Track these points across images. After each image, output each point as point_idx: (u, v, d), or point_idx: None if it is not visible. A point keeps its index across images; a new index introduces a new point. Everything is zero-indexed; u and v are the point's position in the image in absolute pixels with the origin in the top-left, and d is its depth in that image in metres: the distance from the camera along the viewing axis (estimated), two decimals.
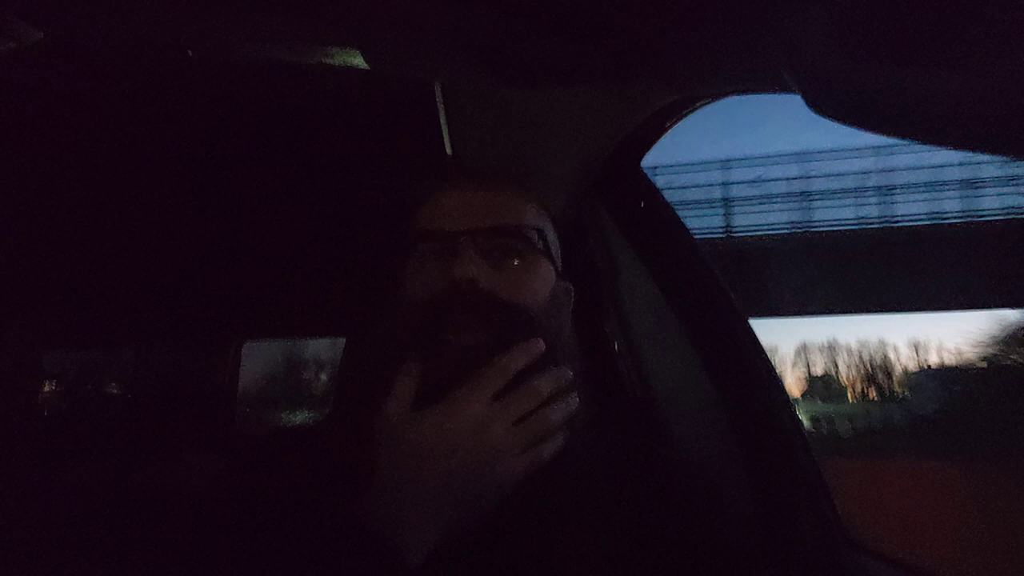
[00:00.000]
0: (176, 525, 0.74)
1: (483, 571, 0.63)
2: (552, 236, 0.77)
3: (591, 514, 0.70)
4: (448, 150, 1.07)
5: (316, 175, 1.28)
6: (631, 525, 0.70)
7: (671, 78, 0.75)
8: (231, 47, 0.73)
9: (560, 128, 1.00)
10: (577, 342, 0.82)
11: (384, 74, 0.85)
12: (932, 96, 0.39)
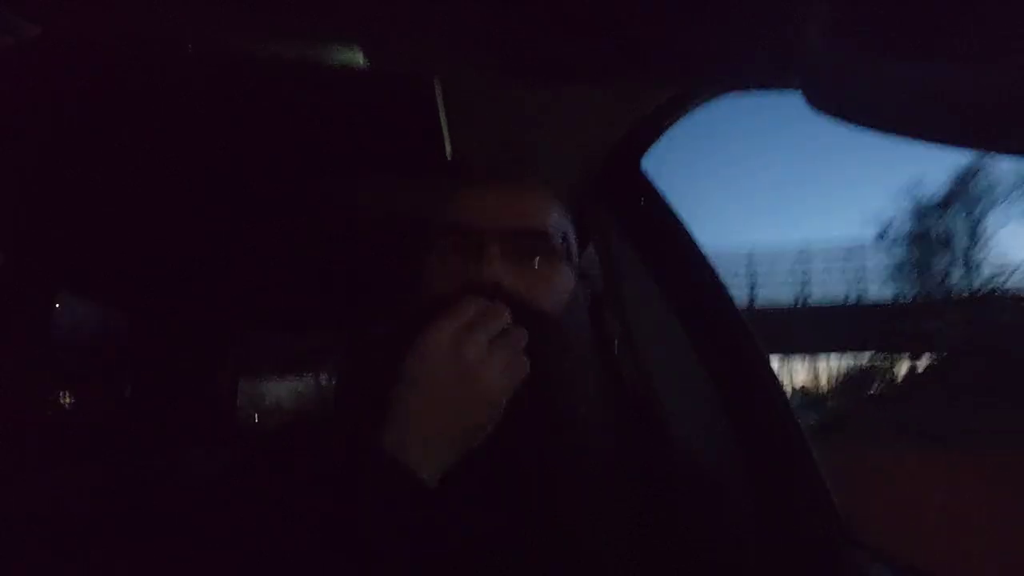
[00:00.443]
0: (185, 513, 0.76)
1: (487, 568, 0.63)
2: (573, 238, 0.78)
3: (591, 513, 0.70)
4: (448, 148, 1.07)
5: (314, 171, 1.27)
6: (631, 523, 0.70)
7: (672, 76, 0.75)
8: (230, 42, 0.73)
9: (561, 125, 1.00)
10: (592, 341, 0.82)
11: (384, 71, 0.85)
12: (933, 94, 0.39)
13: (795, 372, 15.38)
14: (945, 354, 12.33)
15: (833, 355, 15.44)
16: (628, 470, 0.74)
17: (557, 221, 0.75)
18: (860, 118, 0.44)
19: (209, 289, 1.95)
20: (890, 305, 14.80)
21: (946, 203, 15.44)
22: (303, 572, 0.59)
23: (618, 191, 1.11)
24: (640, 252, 1.07)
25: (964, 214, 15.20)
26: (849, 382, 14.76)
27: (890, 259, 15.51)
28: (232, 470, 0.76)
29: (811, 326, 14.34)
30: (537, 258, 0.72)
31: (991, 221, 15.48)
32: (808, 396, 14.35)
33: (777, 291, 15.53)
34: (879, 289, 15.56)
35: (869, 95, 0.42)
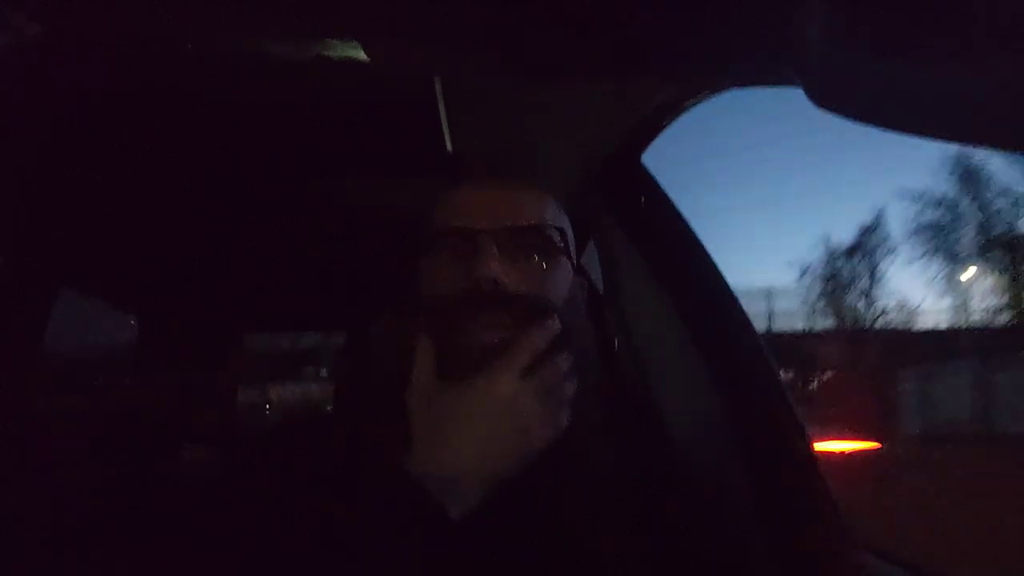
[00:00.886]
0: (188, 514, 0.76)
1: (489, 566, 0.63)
2: (570, 233, 0.78)
3: (592, 514, 0.70)
4: (448, 146, 1.07)
5: (314, 171, 1.27)
6: (632, 524, 0.70)
7: (672, 72, 0.75)
8: (230, 42, 0.73)
9: (561, 123, 1.00)
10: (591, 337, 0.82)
11: (384, 69, 0.85)
12: (935, 89, 0.39)
13: None
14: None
15: None
16: (628, 470, 0.74)
17: (554, 217, 0.75)
18: (862, 113, 0.44)
19: (209, 289, 1.95)
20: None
21: (851, 251, 21.15)
22: (303, 572, 0.59)
23: (618, 190, 1.10)
24: (640, 251, 1.07)
25: (865, 259, 20.85)
26: None
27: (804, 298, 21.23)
28: (232, 470, 0.76)
29: None
30: (534, 254, 0.71)
31: (885, 265, 21.25)
32: None
33: None
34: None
35: (871, 90, 0.42)
